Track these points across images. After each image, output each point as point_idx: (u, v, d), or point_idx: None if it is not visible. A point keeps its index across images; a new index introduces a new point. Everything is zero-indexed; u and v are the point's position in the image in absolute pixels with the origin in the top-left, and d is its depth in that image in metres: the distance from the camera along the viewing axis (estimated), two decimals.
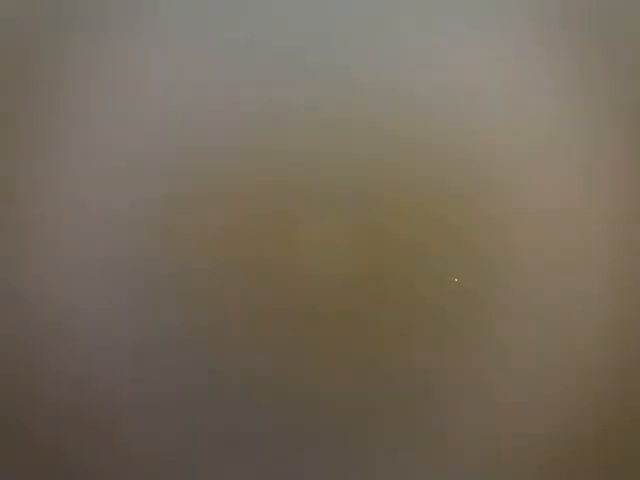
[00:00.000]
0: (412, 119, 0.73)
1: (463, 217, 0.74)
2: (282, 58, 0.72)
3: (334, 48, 0.75)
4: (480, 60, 0.79)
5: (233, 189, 0.77)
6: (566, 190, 0.80)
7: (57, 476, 0.84)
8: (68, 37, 0.72)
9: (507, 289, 0.80)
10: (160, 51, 0.75)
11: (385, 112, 0.70)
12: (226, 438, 0.65)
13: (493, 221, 0.78)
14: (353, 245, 0.69)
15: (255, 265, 0.79)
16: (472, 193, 0.68)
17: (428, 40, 0.78)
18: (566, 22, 0.74)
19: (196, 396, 0.80)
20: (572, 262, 0.83)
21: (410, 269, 0.72)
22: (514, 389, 0.70)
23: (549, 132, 0.73)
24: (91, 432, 0.83)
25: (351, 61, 0.76)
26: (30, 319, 0.80)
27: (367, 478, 0.62)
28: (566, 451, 0.70)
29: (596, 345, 0.83)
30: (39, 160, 0.76)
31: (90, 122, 0.77)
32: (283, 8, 0.70)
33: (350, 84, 0.74)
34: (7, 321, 0.80)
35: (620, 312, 0.83)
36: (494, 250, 0.80)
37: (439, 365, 0.66)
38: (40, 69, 0.73)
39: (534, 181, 0.78)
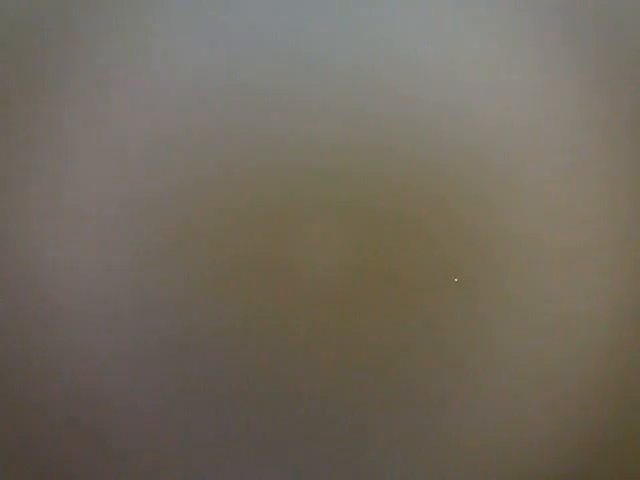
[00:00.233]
0: (413, 103, 0.74)
1: (463, 202, 0.74)
2: (284, 50, 0.72)
3: (337, 42, 0.74)
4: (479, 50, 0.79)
5: (235, 181, 0.77)
6: (569, 181, 0.80)
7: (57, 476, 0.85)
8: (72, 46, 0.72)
9: (506, 281, 0.81)
10: (162, 37, 0.74)
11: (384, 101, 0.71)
12: (226, 440, 0.66)
13: (493, 208, 0.79)
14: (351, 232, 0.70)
15: (255, 264, 0.79)
16: (473, 178, 0.69)
17: (430, 34, 0.78)
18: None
19: (197, 398, 0.80)
20: (572, 254, 0.83)
21: (408, 260, 0.72)
22: (512, 385, 0.71)
23: (552, 120, 0.74)
24: (89, 436, 0.84)
25: (354, 52, 0.75)
26: (27, 318, 0.81)
27: (364, 473, 0.63)
28: (566, 448, 0.71)
29: (596, 338, 0.84)
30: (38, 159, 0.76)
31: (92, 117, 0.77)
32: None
33: (351, 74, 0.74)
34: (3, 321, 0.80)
35: (621, 305, 0.84)
36: (493, 239, 0.80)
37: (437, 360, 0.67)
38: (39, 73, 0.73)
39: (537, 169, 0.78)
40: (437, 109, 0.70)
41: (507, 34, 0.73)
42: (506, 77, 0.76)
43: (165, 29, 0.71)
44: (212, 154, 0.77)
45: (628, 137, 0.78)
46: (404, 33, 0.70)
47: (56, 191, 0.77)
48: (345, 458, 0.62)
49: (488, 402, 0.63)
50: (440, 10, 0.69)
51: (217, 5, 0.69)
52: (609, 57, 0.77)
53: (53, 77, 0.72)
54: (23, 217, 0.77)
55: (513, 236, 0.68)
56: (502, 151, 0.77)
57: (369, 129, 0.67)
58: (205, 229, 0.69)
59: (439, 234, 0.70)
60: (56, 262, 0.80)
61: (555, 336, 0.76)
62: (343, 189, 0.65)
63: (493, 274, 0.73)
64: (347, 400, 0.63)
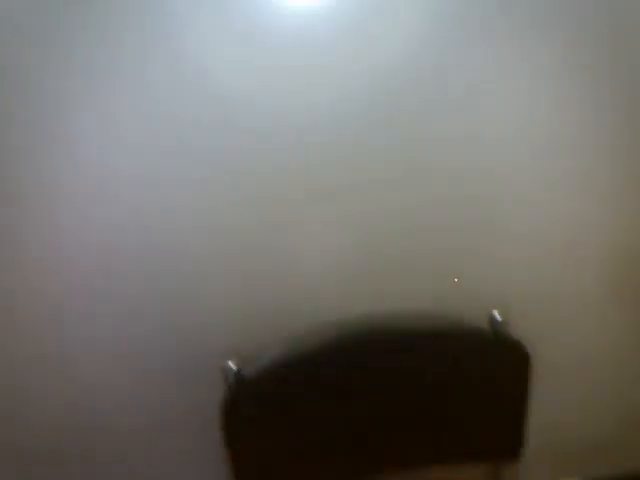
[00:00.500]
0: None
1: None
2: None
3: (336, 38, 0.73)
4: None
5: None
6: (569, 122, 0.80)
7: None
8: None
9: (510, 212, 0.82)
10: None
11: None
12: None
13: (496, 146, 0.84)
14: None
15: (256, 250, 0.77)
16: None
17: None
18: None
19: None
20: (571, 187, 0.84)
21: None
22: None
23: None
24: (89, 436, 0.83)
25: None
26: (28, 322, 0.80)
27: None
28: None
29: (595, 263, 0.85)
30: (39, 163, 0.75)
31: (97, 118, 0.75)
32: None
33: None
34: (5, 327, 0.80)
35: (617, 233, 0.86)
36: (497, 172, 0.82)
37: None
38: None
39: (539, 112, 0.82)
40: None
41: None
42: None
43: None
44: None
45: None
46: None
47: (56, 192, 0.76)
48: None
49: None
50: None
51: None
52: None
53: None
54: (23, 219, 0.76)
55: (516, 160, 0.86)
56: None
57: None
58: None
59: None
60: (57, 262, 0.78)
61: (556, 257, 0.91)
62: None
63: (495, 197, 0.87)
64: None
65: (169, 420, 0.88)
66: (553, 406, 0.98)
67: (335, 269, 0.86)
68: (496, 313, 0.85)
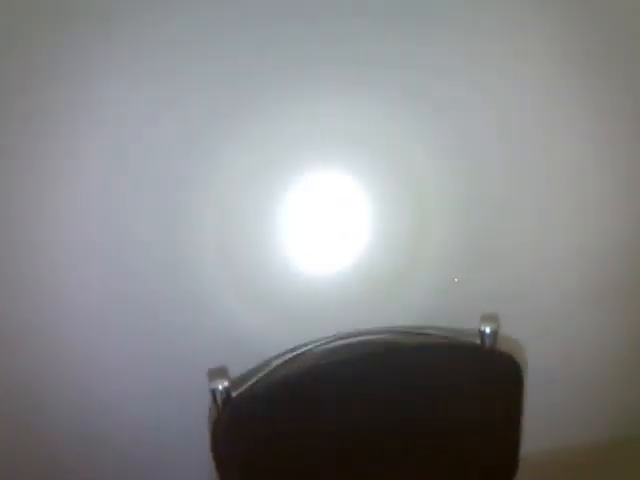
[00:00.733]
0: None
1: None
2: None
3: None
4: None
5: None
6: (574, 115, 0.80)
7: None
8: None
9: (496, 214, 0.81)
10: None
11: None
12: None
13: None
14: None
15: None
16: None
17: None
18: None
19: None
20: (573, 174, 0.84)
21: None
22: None
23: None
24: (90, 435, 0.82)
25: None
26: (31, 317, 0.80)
27: None
28: None
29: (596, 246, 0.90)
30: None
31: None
32: None
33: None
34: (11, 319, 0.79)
35: (619, 218, 0.89)
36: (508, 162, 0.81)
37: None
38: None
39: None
40: None
41: None
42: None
43: None
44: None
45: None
46: None
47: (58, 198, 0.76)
48: None
49: None
50: None
51: None
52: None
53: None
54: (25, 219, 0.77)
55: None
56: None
57: None
58: None
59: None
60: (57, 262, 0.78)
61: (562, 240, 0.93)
62: None
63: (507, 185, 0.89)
64: None
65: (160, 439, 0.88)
66: (548, 426, 0.97)
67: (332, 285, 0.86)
68: (487, 327, 0.85)
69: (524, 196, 0.87)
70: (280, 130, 0.79)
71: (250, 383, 0.81)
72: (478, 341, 0.85)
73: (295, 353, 0.83)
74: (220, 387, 0.80)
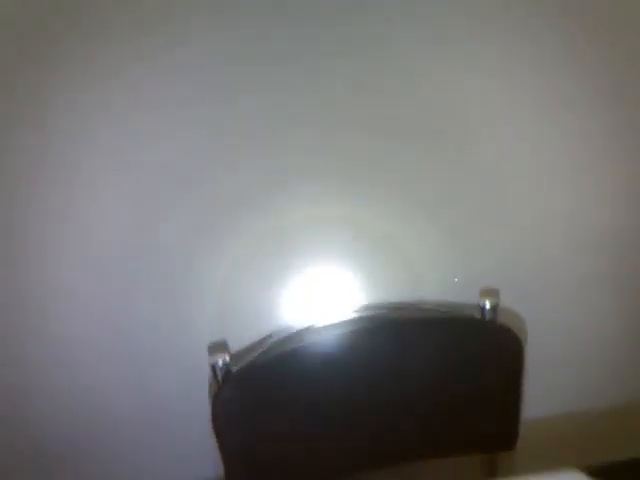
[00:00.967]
0: None
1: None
2: None
3: None
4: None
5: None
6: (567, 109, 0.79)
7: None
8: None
9: (504, 196, 0.81)
10: None
11: None
12: None
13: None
14: None
15: None
16: None
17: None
18: None
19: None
20: (569, 173, 0.83)
21: None
22: None
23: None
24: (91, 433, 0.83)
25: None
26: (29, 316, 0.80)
27: None
28: None
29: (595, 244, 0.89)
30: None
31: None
32: None
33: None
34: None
35: (617, 215, 0.89)
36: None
37: None
38: None
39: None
40: None
41: None
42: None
43: None
44: None
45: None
46: None
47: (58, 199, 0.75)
48: None
49: None
50: None
51: None
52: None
53: None
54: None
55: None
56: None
57: None
58: None
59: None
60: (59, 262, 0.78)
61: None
62: None
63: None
64: None
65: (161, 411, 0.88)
66: (548, 394, 0.98)
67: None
68: (486, 301, 0.85)
69: (525, 170, 0.86)
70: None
71: (250, 357, 0.81)
72: (478, 315, 0.85)
73: (295, 329, 0.83)
74: (220, 362, 0.80)
